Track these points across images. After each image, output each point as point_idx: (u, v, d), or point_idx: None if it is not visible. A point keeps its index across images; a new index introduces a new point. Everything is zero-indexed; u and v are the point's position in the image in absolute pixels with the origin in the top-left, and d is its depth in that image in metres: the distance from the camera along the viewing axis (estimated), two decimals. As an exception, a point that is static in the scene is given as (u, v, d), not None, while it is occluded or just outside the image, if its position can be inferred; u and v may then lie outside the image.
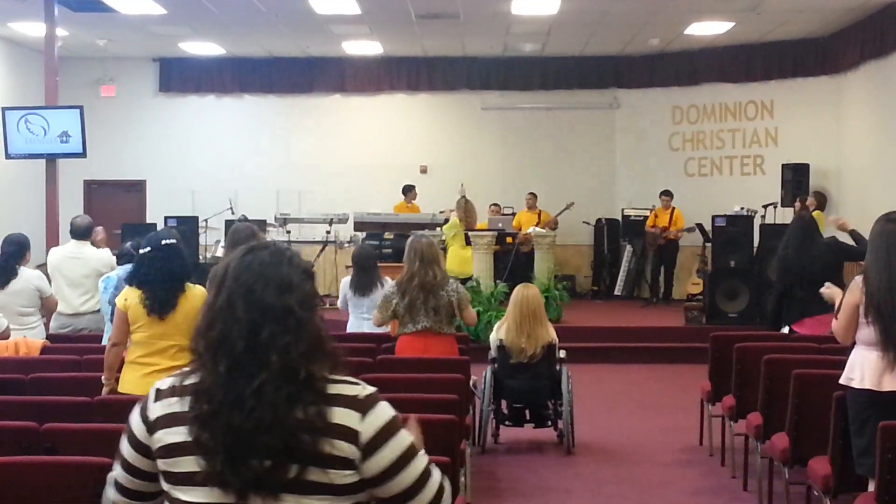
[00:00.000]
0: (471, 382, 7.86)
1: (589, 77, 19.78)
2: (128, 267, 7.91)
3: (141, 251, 6.56)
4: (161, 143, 20.05)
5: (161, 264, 6.34)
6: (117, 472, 2.64)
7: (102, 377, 6.50)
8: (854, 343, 5.74)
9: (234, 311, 2.47)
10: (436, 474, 2.64)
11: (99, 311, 9.52)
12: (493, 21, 16.21)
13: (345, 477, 2.47)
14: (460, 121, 20.17)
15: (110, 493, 2.67)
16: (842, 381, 5.68)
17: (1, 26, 16.77)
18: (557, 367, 8.89)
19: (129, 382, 6.35)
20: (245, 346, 2.44)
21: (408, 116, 20.28)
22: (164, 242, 6.43)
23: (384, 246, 15.60)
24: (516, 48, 18.82)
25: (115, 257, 9.71)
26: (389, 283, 9.16)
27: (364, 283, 9.27)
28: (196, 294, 6.39)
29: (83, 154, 14.51)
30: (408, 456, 2.55)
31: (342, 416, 2.47)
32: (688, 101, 19.23)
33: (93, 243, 10.09)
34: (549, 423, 9.13)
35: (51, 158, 14.50)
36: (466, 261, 14.62)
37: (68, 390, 6.31)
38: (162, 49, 19.20)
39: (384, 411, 2.54)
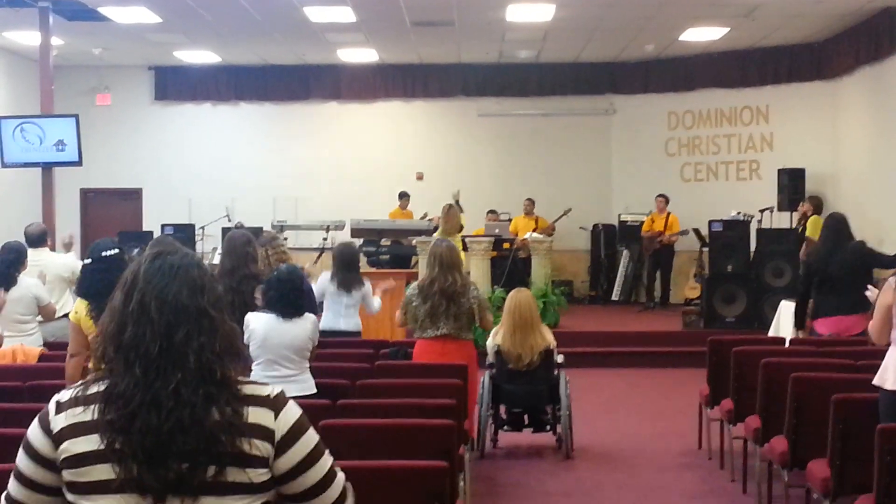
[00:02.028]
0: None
1: (584, 83, 19.81)
2: None
3: (84, 262, 6.54)
4: (157, 151, 20.05)
5: (102, 276, 6.28)
6: (13, 488, 2.58)
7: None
8: (889, 344, 5.74)
9: (147, 313, 2.48)
10: (340, 475, 2.67)
11: (64, 317, 9.53)
12: (488, 28, 16.22)
13: (261, 475, 2.49)
14: (456, 127, 20.19)
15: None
16: (875, 381, 5.68)
17: (-4, 35, 16.78)
18: (555, 372, 8.88)
19: None
20: (160, 348, 2.45)
21: (404, 123, 20.30)
22: (104, 254, 6.39)
23: (381, 252, 15.57)
24: (512, 55, 18.84)
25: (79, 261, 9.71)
26: (368, 285, 9.23)
27: (347, 279, 9.28)
28: None
29: (79, 162, 14.52)
30: (315, 455, 2.59)
31: (258, 415, 2.50)
32: (683, 106, 19.25)
33: (66, 248, 10.03)
34: (548, 427, 9.13)
35: (47, 167, 14.51)
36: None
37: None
38: (157, 57, 19.21)
39: (294, 410, 2.58)
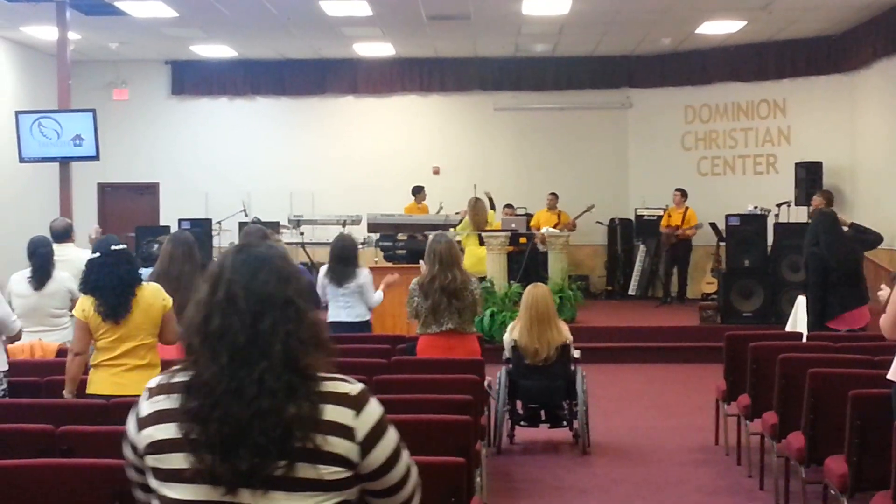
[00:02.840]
0: (486, 383, 7.85)
1: (601, 77, 19.77)
2: (148, 270, 7.90)
3: (91, 257, 6.55)
4: (174, 145, 20.10)
5: (110, 269, 6.29)
6: (130, 472, 2.67)
7: (64, 389, 6.37)
8: None
9: (234, 303, 2.51)
10: (414, 467, 2.72)
11: None
12: (505, 22, 16.21)
13: (335, 473, 2.49)
14: (472, 122, 20.18)
15: (136, 493, 2.70)
16: (890, 376, 5.65)
17: (13, 30, 16.83)
18: (572, 368, 8.87)
19: (98, 382, 6.28)
20: (247, 337, 2.48)
21: (420, 118, 20.30)
22: (112, 248, 6.38)
23: (397, 247, 15.60)
24: (528, 48, 18.82)
25: None
26: (365, 273, 9.25)
27: (338, 272, 9.31)
28: (149, 292, 6.37)
29: (96, 157, 14.56)
30: (398, 452, 2.62)
31: (336, 413, 2.51)
32: (700, 100, 19.20)
33: (88, 243, 10.06)
34: (565, 423, 9.12)
35: (64, 162, 14.56)
36: (481, 260, 14.62)
37: (84, 392, 6.33)
38: (174, 52, 19.24)
39: (375, 408, 2.60)
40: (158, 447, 2.51)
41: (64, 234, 9.87)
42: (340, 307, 9.38)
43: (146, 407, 2.56)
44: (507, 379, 8.80)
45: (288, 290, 2.55)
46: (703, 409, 9.90)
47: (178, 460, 2.47)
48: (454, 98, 20.15)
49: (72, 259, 9.70)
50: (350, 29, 16.83)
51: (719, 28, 16.69)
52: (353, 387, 2.59)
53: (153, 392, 2.57)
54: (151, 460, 2.52)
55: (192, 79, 20.22)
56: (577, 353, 8.92)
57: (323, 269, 9.56)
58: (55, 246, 9.74)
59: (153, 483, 2.54)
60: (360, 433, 2.52)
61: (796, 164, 17.11)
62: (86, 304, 6.34)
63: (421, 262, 8.46)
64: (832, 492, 6.01)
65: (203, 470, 2.44)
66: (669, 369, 13.59)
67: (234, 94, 20.26)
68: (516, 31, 17.11)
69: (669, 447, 9.26)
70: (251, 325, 2.49)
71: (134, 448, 2.59)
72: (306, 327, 2.55)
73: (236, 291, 2.52)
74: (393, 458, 2.60)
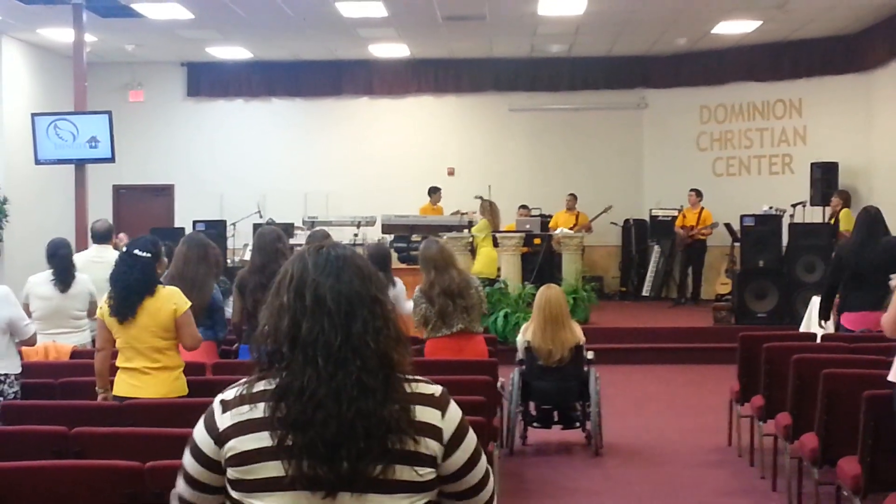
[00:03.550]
0: (498, 384, 7.86)
1: (616, 77, 19.74)
2: None
3: (121, 252, 6.61)
4: (189, 147, 20.14)
5: (123, 269, 6.35)
6: (182, 488, 2.63)
7: (96, 386, 6.48)
8: None
9: (322, 305, 2.50)
10: (490, 470, 2.72)
11: None
12: (520, 22, 16.21)
13: (428, 474, 2.51)
14: (488, 122, 20.18)
15: None
16: (890, 377, 5.63)
17: (30, 32, 16.90)
18: (585, 369, 8.87)
19: (118, 384, 6.37)
20: (341, 339, 2.47)
21: (435, 118, 20.31)
22: (135, 252, 6.40)
23: (412, 248, 15.60)
24: (543, 49, 18.81)
25: None
26: (400, 287, 9.19)
27: None
28: (162, 296, 6.37)
29: (112, 159, 14.60)
30: (477, 454, 2.63)
31: (425, 413, 2.53)
32: (715, 100, 19.16)
33: (114, 247, 10.11)
34: (578, 424, 9.12)
35: (80, 164, 14.61)
36: (494, 261, 14.64)
37: (97, 394, 6.36)
38: (190, 54, 19.29)
39: (457, 410, 2.62)
40: (245, 458, 2.48)
41: (105, 236, 9.91)
42: None
43: (225, 420, 2.52)
44: (520, 380, 8.80)
45: (372, 288, 2.57)
46: (716, 410, 9.88)
47: (271, 469, 2.46)
48: (469, 99, 20.15)
49: (110, 261, 9.69)
50: (365, 30, 16.85)
51: (735, 28, 16.66)
52: (436, 388, 2.61)
53: (232, 404, 2.53)
54: (234, 472, 2.49)
55: (207, 80, 20.26)
56: (590, 355, 8.92)
57: None
58: (94, 247, 9.82)
59: (235, 495, 2.51)
60: (447, 434, 2.54)
61: (812, 164, 17.06)
62: (104, 300, 6.42)
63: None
64: (845, 493, 6.00)
65: (302, 476, 2.43)
66: (683, 370, 13.57)
67: (250, 95, 20.30)
68: (532, 32, 17.10)
69: (682, 448, 9.26)
70: (344, 325, 2.49)
71: (209, 463, 2.55)
72: (393, 323, 2.57)
73: (324, 294, 2.51)
74: (473, 460, 2.61)
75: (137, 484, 4.07)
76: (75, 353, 8.14)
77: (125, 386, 6.32)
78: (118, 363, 6.40)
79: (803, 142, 18.19)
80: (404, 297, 9.40)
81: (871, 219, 9.13)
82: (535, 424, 9.15)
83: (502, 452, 8.43)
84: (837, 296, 9.09)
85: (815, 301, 10.58)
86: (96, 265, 9.63)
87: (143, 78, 19.79)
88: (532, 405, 9.09)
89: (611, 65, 19.61)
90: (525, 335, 8.85)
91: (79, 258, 10.09)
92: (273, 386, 2.49)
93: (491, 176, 18.36)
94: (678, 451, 9.15)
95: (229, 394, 2.57)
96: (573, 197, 18.45)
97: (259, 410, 2.48)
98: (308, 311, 2.50)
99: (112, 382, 6.41)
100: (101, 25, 15.74)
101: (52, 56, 18.14)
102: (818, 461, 6.46)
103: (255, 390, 2.52)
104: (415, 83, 20.11)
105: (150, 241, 6.60)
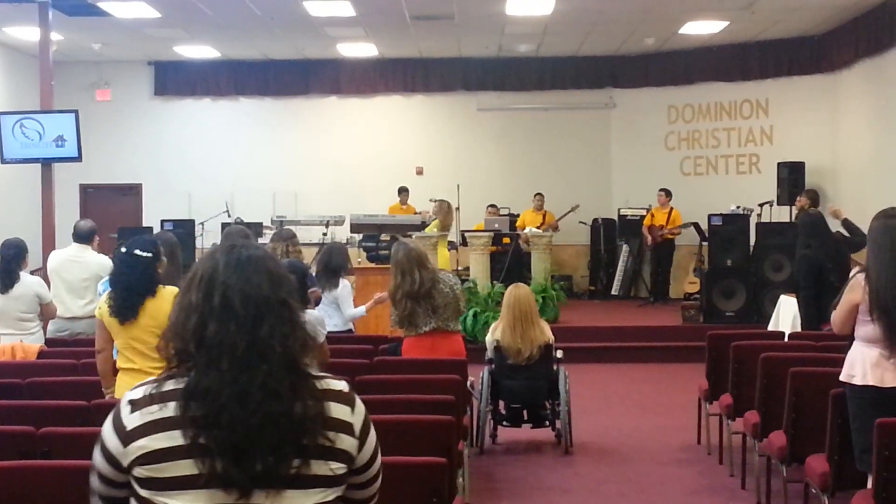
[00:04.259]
0: (468, 383, 7.86)
1: (584, 77, 19.79)
2: None
3: (119, 251, 6.55)
4: (157, 146, 20.04)
5: (124, 270, 6.28)
6: (93, 482, 2.63)
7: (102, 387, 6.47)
8: (852, 339, 5.73)
9: (230, 307, 2.49)
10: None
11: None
12: (488, 22, 16.20)
13: (341, 468, 2.53)
14: (456, 122, 20.18)
15: (94, 503, 2.67)
16: (842, 378, 5.67)
17: (-5, 31, 16.77)
18: (555, 367, 8.88)
19: (119, 387, 6.33)
20: (247, 342, 2.46)
21: (403, 118, 20.29)
22: (135, 252, 6.32)
23: (381, 247, 15.56)
24: (511, 49, 18.83)
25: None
26: (344, 284, 9.23)
27: (323, 282, 9.27)
28: (163, 296, 6.30)
29: (79, 158, 14.49)
30: (378, 443, 2.68)
31: (337, 410, 2.55)
32: (683, 100, 19.24)
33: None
34: (547, 423, 9.12)
35: (46, 163, 14.49)
36: (447, 261, 14.62)
37: (65, 394, 6.31)
38: (157, 52, 19.19)
39: (361, 404, 2.65)
40: (156, 457, 2.46)
41: (86, 236, 9.84)
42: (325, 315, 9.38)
43: (133, 419, 2.50)
44: (489, 379, 8.81)
45: (282, 292, 2.55)
46: (685, 409, 9.92)
47: (184, 468, 2.44)
48: (438, 98, 20.15)
49: (88, 262, 9.67)
50: (333, 29, 16.81)
51: (702, 28, 16.72)
52: (343, 384, 2.63)
53: (141, 403, 2.51)
54: (143, 471, 2.47)
55: (175, 79, 20.16)
56: (559, 353, 8.93)
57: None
58: (74, 246, 9.75)
59: (144, 494, 2.49)
60: (357, 428, 2.58)
61: (779, 163, 17.16)
62: (103, 301, 6.38)
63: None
64: (813, 490, 6.03)
65: (215, 475, 2.42)
66: (652, 369, 13.62)
67: (218, 94, 20.22)
68: (500, 32, 17.11)
69: (652, 447, 9.28)
70: (250, 330, 2.48)
71: (115, 463, 2.53)
72: (300, 327, 2.56)
73: (232, 296, 2.50)
74: (377, 452, 2.67)
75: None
76: (42, 354, 8.08)
77: (125, 388, 6.24)
78: (119, 364, 6.34)
79: (770, 141, 18.30)
80: (348, 299, 9.38)
81: (818, 221, 9.29)
82: (504, 423, 9.15)
83: (472, 451, 8.42)
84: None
85: (784, 300, 10.64)
86: (74, 264, 9.59)
87: (109, 77, 19.68)
88: (502, 404, 9.09)
89: (579, 64, 19.65)
90: (494, 334, 8.86)
91: (57, 256, 10.05)
92: (182, 385, 2.48)
93: (460, 175, 18.34)
94: (648, 450, 9.17)
95: (137, 392, 2.55)
96: (541, 197, 18.47)
97: (170, 409, 2.47)
98: (215, 313, 2.50)
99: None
100: (68, 24, 15.63)
101: (18, 55, 18.00)
102: (786, 459, 6.51)
103: (164, 389, 2.51)
104: (383, 82, 20.08)
105: (151, 241, 6.55)
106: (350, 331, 9.48)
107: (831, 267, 8.98)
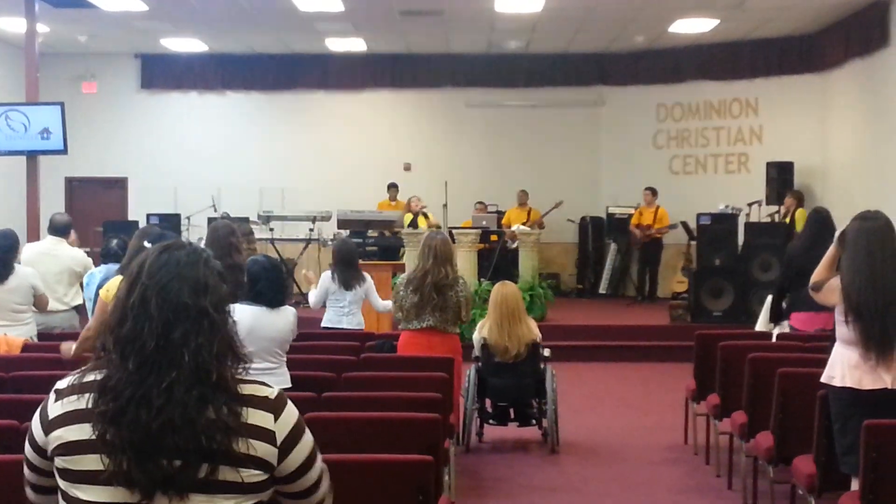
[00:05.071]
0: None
1: (573, 74, 19.76)
2: (113, 266, 7.86)
3: (146, 244, 6.50)
4: (143, 140, 19.96)
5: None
6: (26, 472, 2.64)
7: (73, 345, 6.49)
8: (833, 341, 5.72)
9: (147, 308, 2.46)
10: (327, 471, 2.73)
11: (71, 309, 9.53)
12: (478, 18, 16.17)
13: (255, 476, 2.49)
14: (444, 118, 20.14)
15: (27, 492, 2.68)
16: (823, 379, 5.66)
17: (-19, 22, 16.68)
18: (542, 366, 8.86)
19: None
20: (156, 345, 2.43)
21: (392, 113, 20.25)
22: (145, 245, 6.30)
23: (368, 244, 15.53)
24: (501, 45, 18.78)
25: (89, 257, 9.81)
26: (370, 281, 9.25)
27: (347, 276, 9.27)
28: None
29: (64, 151, 14.43)
30: (313, 455, 2.63)
31: (256, 416, 2.50)
32: (672, 98, 19.22)
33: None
34: (534, 421, 9.10)
35: (31, 155, 14.42)
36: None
37: (49, 388, 6.22)
38: (144, 45, 19.11)
39: (293, 411, 2.59)
40: (70, 448, 2.46)
41: (62, 230, 9.80)
42: (343, 314, 9.33)
43: (56, 409, 2.51)
44: (476, 377, 8.78)
45: (203, 301, 2.50)
46: (672, 409, 9.90)
47: (91, 461, 2.43)
48: (426, 94, 20.10)
49: (61, 256, 9.63)
50: (322, 24, 16.76)
51: (692, 26, 16.71)
52: (272, 390, 2.58)
53: (64, 393, 2.52)
54: (61, 462, 2.48)
55: (161, 73, 20.08)
56: (546, 352, 8.90)
57: (327, 274, 9.45)
58: (49, 239, 9.71)
59: (62, 484, 2.49)
60: (280, 436, 2.52)
61: (768, 163, 17.15)
62: (113, 284, 6.31)
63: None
64: (800, 491, 6.01)
65: (118, 473, 2.40)
66: (639, 368, 13.60)
67: (205, 88, 20.14)
68: (489, 28, 17.07)
69: (639, 446, 9.26)
70: (162, 333, 2.44)
71: (39, 450, 2.54)
72: (220, 340, 2.50)
73: (150, 297, 2.47)
74: (309, 461, 2.61)
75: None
76: (27, 347, 8.02)
77: None
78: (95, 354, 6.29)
79: (759, 141, 18.30)
80: (374, 292, 9.41)
81: (821, 219, 9.18)
82: (491, 421, 9.12)
83: (458, 450, 8.39)
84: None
85: (771, 300, 10.60)
86: (48, 258, 9.53)
87: (96, 69, 19.56)
88: (488, 402, 9.06)
89: (568, 62, 19.61)
90: (481, 332, 8.82)
91: (31, 248, 10.00)
92: (100, 378, 2.48)
93: (448, 171, 18.33)
94: (634, 449, 9.15)
95: (64, 382, 2.56)
96: (524, 193, 18.43)
97: (84, 401, 2.47)
98: (133, 311, 2.47)
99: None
100: (54, 16, 15.53)
101: (3, 46, 17.91)
102: (773, 460, 6.48)
103: (84, 380, 2.51)
104: (371, 78, 20.03)
105: (158, 235, 6.54)
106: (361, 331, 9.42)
107: (802, 266, 8.91)
